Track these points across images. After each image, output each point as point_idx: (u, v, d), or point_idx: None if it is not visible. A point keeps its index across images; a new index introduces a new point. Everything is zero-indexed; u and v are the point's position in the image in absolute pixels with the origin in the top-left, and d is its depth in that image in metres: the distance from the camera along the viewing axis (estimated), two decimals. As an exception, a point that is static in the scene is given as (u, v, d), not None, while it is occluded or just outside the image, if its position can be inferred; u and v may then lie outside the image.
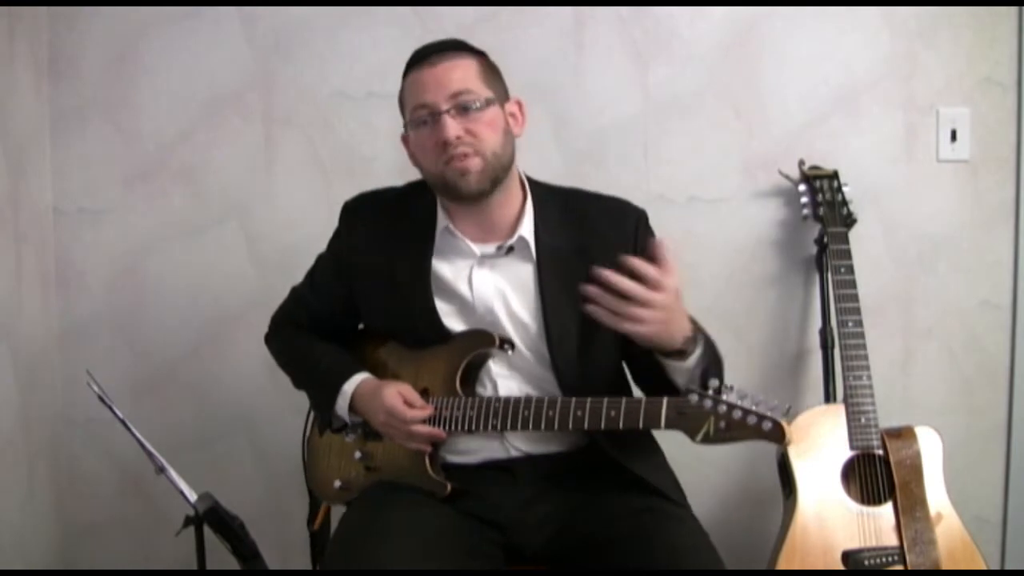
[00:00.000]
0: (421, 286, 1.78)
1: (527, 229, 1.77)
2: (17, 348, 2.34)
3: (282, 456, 2.48)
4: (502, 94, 1.76)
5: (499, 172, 1.73)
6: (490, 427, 1.70)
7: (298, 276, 2.03)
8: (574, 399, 1.65)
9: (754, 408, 1.52)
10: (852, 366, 2.15)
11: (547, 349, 1.74)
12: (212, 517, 1.72)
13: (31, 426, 2.40)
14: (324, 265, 1.93)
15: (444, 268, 1.79)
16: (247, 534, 1.75)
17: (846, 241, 2.26)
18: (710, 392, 1.55)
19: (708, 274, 2.47)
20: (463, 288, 1.77)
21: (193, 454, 2.45)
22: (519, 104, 1.79)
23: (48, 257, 2.51)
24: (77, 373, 2.27)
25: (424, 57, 1.73)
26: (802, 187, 2.34)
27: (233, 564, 1.78)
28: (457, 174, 1.70)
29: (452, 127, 1.67)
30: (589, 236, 1.76)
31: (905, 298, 2.47)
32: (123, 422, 1.78)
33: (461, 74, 1.70)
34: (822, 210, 2.30)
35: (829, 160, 2.38)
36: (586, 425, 1.63)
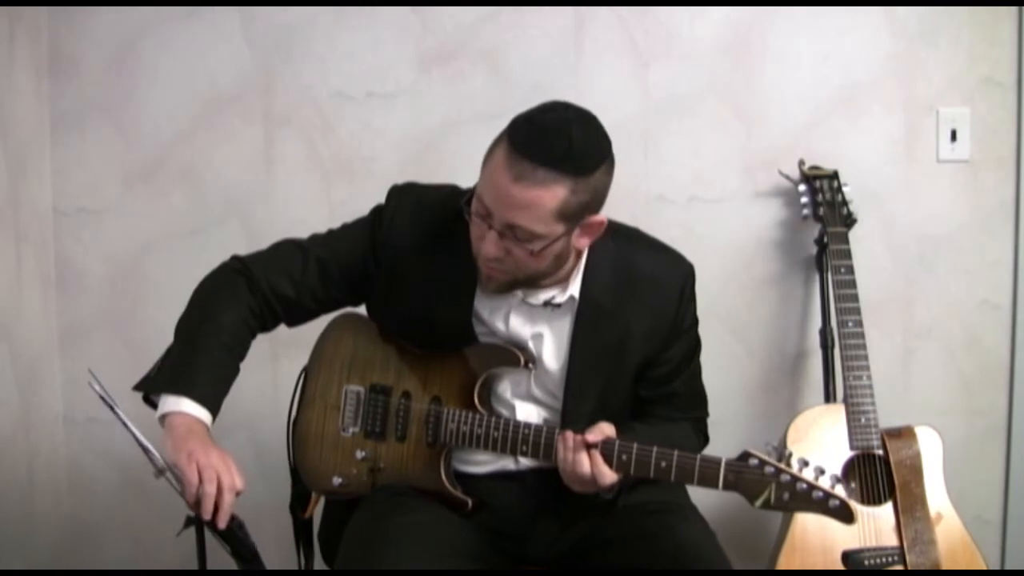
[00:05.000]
0: (463, 319, 1.71)
1: (576, 287, 1.70)
2: (17, 348, 2.35)
3: (282, 456, 2.47)
4: (581, 218, 1.57)
5: (530, 283, 1.67)
6: (519, 452, 1.67)
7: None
8: (618, 441, 1.59)
9: (816, 479, 1.52)
10: (852, 366, 2.15)
11: (561, 402, 1.72)
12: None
13: (31, 426, 2.40)
14: (353, 234, 1.80)
15: (483, 302, 1.72)
16: (247, 535, 1.75)
17: (846, 241, 2.26)
18: (767, 456, 1.53)
19: (708, 274, 2.43)
20: (498, 324, 1.73)
21: (193, 454, 2.44)
22: (602, 224, 1.62)
23: (48, 257, 2.51)
24: (77, 373, 2.27)
25: (522, 152, 1.50)
26: (802, 187, 2.34)
27: (233, 565, 1.78)
28: (484, 275, 1.65)
29: (490, 246, 1.56)
30: (632, 297, 1.71)
31: (905, 298, 2.47)
32: (123, 422, 1.78)
33: (532, 208, 1.51)
34: (822, 210, 2.30)
35: (829, 160, 2.38)
36: (632, 471, 1.58)
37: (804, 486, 1.52)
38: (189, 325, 1.75)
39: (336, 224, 1.93)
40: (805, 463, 1.53)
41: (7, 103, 2.34)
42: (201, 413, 1.66)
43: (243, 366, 2.52)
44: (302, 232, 2.40)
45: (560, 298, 1.69)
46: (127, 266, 2.53)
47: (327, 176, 2.50)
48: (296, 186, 2.50)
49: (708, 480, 1.55)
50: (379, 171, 2.43)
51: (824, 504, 1.51)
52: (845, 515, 1.51)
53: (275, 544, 2.38)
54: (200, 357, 1.69)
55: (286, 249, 1.83)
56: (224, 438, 2.51)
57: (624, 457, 1.58)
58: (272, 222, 2.50)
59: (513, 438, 1.66)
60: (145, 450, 1.75)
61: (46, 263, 2.51)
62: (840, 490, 1.52)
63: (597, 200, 1.58)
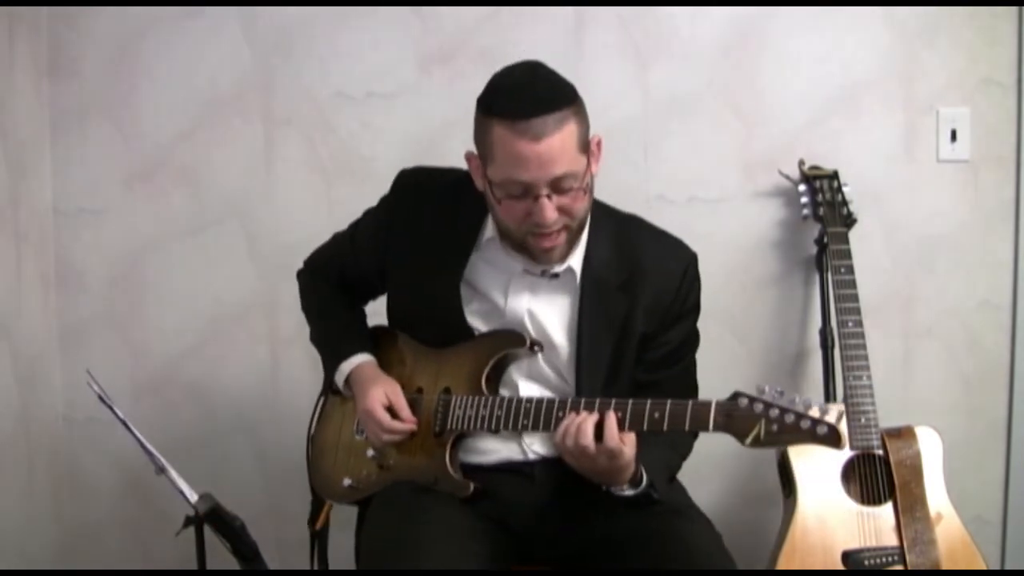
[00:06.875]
0: (451, 283, 1.75)
1: (576, 259, 1.73)
2: (17, 348, 2.35)
3: (282, 456, 2.48)
4: (588, 142, 1.63)
5: (578, 233, 1.70)
6: (520, 427, 1.68)
7: (298, 275, 2.04)
8: (614, 400, 1.60)
9: (806, 411, 1.51)
10: (852, 366, 2.15)
11: (575, 376, 1.73)
12: (213, 517, 1.72)
13: (31, 426, 2.41)
14: (368, 224, 1.89)
15: (482, 272, 1.76)
16: (248, 534, 1.75)
17: (846, 241, 2.26)
18: (758, 395, 1.53)
19: (708, 274, 2.43)
20: (497, 296, 1.75)
21: (193, 454, 2.45)
22: (599, 143, 1.67)
23: (48, 257, 2.51)
24: (77, 373, 2.27)
25: (523, 115, 1.55)
26: (802, 187, 2.34)
27: (233, 564, 1.78)
28: (540, 250, 1.66)
29: (550, 212, 1.59)
30: (636, 275, 1.74)
31: (905, 298, 2.47)
32: (123, 422, 1.78)
33: (563, 151, 1.56)
34: (822, 210, 2.30)
35: (829, 160, 2.38)
36: (626, 426, 1.59)
37: (792, 417, 1.50)
38: (315, 328, 1.96)
39: (335, 224, 1.94)
40: (792, 398, 1.53)
41: (7, 103, 2.34)
42: (356, 361, 1.83)
43: (243, 369, 2.55)
44: (301, 232, 2.42)
45: (559, 268, 1.72)
46: (127, 266, 2.53)
47: (327, 176, 2.49)
48: (296, 186, 2.50)
49: (698, 422, 1.55)
50: (379, 171, 2.42)
51: (812, 432, 1.50)
52: (834, 440, 1.49)
53: (275, 544, 2.39)
54: (332, 333, 1.91)
55: (326, 250, 1.98)
56: (224, 439, 2.55)
57: (619, 414, 1.58)
58: (272, 222, 2.50)
59: (516, 412, 1.67)
60: (145, 450, 1.75)
61: (46, 263, 2.51)
62: (831, 415, 1.50)
63: (588, 120, 1.64)
